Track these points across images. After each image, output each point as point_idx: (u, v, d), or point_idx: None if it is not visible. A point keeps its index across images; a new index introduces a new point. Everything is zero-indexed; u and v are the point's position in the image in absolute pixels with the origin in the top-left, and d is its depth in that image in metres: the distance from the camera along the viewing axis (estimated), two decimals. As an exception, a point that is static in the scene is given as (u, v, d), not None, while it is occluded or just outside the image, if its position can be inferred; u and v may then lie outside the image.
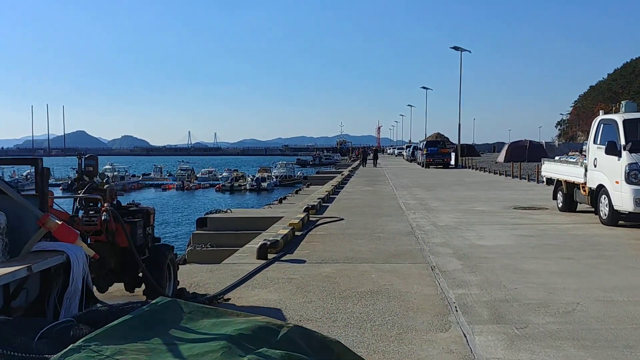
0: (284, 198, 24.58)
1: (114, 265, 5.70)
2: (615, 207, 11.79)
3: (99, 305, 4.14)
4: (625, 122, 11.97)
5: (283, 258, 8.97)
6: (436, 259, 8.81)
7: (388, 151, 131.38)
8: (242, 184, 62.81)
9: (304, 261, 8.72)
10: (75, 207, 5.67)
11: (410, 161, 63.45)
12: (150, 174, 79.91)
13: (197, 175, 75.27)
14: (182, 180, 66.94)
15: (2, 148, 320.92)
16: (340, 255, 9.18)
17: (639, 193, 11.17)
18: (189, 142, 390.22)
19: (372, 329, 5.45)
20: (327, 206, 17.17)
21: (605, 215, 12.18)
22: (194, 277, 7.70)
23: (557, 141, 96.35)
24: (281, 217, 14.01)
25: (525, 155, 54.77)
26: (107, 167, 71.41)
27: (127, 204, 6.29)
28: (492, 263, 8.47)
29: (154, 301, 3.60)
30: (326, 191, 21.37)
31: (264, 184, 60.63)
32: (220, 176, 71.01)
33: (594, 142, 12.93)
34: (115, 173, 67.57)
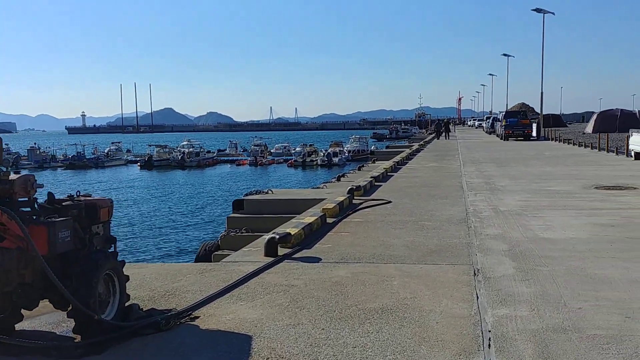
0: (343, 175, 23.03)
1: (29, 278, 4.41)
2: None
3: None
4: None
5: (296, 255, 7.48)
6: (484, 259, 7.05)
7: (468, 123, 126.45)
8: (314, 159, 61.69)
9: (319, 260, 7.20)
10: None
11: (490, 133, 60.15)
12: (225, 149, 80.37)
13: (272, 151, 74.95)
14: (255, 155, 66.66)
15: (94, 125, 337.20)
16: (366, 252, 7.59)
17: None
18: (271, 118, 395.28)
19: (360, 376, 3.90)
20: (380, 186, 15.52)
21: None
22: (177, 282, 6.36)
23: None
24: (324, 199, 12.51)
25: (616, 125, 50.29)
26: (184, 143, 72.43)
27: (68, 195, 4.98)
28: (555, 265, 6.62)
29: None
30: (384, 168, 19.66)
31: (335, 159, 59.22)
32: (293, 151, 70.28)
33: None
34: (191, 149, 68.35)
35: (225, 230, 13.57)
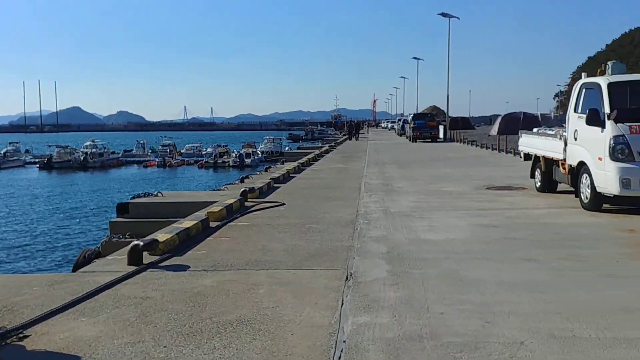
0: (247, 177, 22.53)
1: None
2: (598, 189, 9.77)
3: None
4: (610, 85, 9.88)
5: (164, 263, 6.97)
6: (359, 262, 6.83)
7: (382, 125, 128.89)
8: (226, 160, 60.69)
9: (187, 268, 6.73)
10: None
11: (400, 135, 61.35)
12: (132, 150, 77.57)
13: (182, 151, 73.12)
14: (164, 156, 64.75)
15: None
16: (242, 258, 7.19)
17: (626, 172, 9.14)
18: (185, 117, 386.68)
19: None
20: (279, 187, 15.18)
21: (587, 198, 10.18)
22: (20, 295, 5.70)
23: (553, 113, 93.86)
24: (215, 202, 11.98)
25: (519, 127, 52.30)
26: (88, 143, 69.16)
27: None
28: (429, 268, 6.49)
29: None
30: (287, 169, 19.36)
31: (248, 160, 58.55)
32: (204, 152, 68.87)
33: (575, 111, 10.86)
34: (94, 150, 65.42)
35: (107, 236, 12.76)
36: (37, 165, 62.86)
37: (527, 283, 5.80)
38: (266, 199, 12.63)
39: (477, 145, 36.32)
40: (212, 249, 7.75)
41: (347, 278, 6.16)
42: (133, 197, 13.59)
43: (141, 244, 6.90)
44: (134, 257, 6.82)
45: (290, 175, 18.68)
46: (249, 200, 12.27)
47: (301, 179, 17.62)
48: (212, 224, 9.44)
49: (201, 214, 10.04)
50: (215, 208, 10.20)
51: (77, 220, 28.37)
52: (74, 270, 12.13)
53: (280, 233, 8.81)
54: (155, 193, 13.89)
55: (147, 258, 7.05)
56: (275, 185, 15.49)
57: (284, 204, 11.94)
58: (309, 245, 7.91)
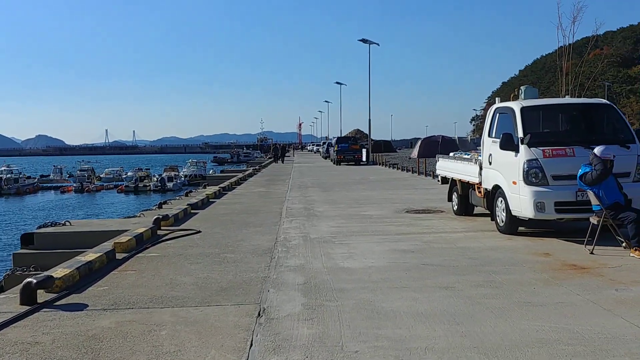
0: (165, 202, 21.72)
1: None
2: (513, 212, 9.88)
3: None
4: (523, 110, 10.07)
5: (60, 302, 6.36)
6: (274, 296, 6.47)
7: (308, 147, 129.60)
8: (147, 184, 58.92)
9: (85, 307, 6.15)
10: None
11: (325, 158, 61.67)
12: (49, 175, 74.09)
13: (101, 176, 70.55)
14: (82, 181, 62.12)
15: None
16: (147, 294, 6.67)
17: (540, 196, 9.27)
18: (106, 141, 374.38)
19: None
20: (197, 213, 14.62)
21: (502, 221, 10.28)
22: None
23: (470, 136, 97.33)
24: (126, 231, 11.31)
25: (438, 150, 53.69)
26: (2, 168, 65.63)
27: None
28: (346, 300, 6.22)
29: None
30: (207, 194, 18.77)
31: (170, 184, 57.09)
32: (124, 176, 66.63)
33: (489, 135, 11.01)
34: (9, 175, 62.06)
35: (10, 269, 11.80)
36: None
37: (443, 314, 5.63)
38: (181, 227, 12.07)
39: (398, 168, 36.86)
40: (114, 284, 7.17)
41: (259, 314, 5.79)
42: (39, 227, 12.68)
43: (34, 281, 6.27)
44: (27, 296, 6.19)
45: (210, 200, 18.11)
46: (162, 228, 11.67)
47: (221, 204, 17.10)
48: (119, 256, 8.82)
49: (108, 244, 9.40)
50: (123, 238, 9.58)
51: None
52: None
53: (191, 264, 8.33)
54: (63, 222, 13.02)
55: (43, 296, 6.43)
56: (192, 211, 14.92)
57: (199, 231, 11.43)
58: (222, 277, 7.48)
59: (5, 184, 59.63)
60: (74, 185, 62.33)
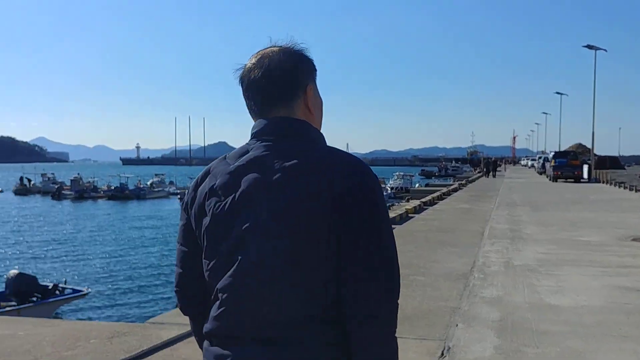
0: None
1: None
2: None
3: None
4: None
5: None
6: (463, 332, 5.71)
7: (522, 162, 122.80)
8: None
9: None
10: None
11: (540, 173, 57.59)
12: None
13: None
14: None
15: (148, 157, 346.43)
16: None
17: None
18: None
19: None
20: (393, 228, 14.18)
21: None
22: (73, 349, 5.26)
23: None
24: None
25: (678, 167, 47.08)
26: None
27: None
28: (549, 346, 5.23)
29: None
30: (406, 209, 18.31)
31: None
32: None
33: None
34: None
35: None
36: (179, 196, 66.38)
37: (680, 381, 4.40)
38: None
39: (625, 188, 32.75)
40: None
41: (442, 354, 5.10)
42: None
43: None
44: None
45: (409, 215, 17.61)
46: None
47: (419, 220, 16.48)
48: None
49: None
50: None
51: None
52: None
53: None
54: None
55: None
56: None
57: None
58: (407, 303, 6.87)
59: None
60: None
